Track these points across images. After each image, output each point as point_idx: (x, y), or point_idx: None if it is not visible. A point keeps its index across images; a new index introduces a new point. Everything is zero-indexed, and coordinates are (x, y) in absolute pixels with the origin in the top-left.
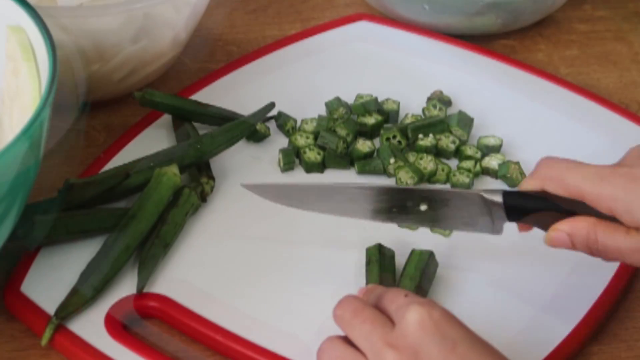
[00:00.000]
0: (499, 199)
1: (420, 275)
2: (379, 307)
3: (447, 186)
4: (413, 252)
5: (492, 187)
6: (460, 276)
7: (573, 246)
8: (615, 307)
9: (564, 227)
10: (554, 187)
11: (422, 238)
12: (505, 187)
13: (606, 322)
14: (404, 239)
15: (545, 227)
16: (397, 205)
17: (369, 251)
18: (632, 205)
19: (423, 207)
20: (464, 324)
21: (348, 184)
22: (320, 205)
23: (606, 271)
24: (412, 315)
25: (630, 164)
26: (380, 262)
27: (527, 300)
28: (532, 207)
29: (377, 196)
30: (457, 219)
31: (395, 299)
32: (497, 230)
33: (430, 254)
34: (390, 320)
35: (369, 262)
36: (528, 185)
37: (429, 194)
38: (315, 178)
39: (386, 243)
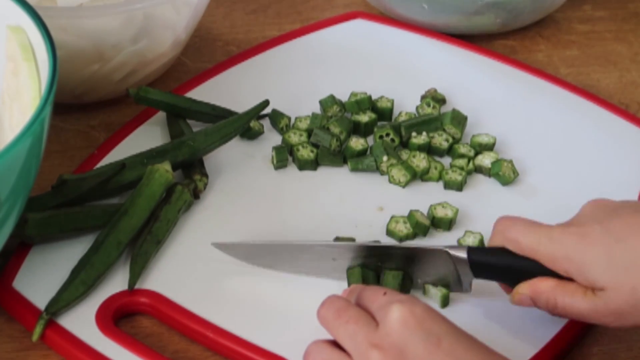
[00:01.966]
0: (463, 254)
1: (403, 274)
2: (360, 306)
3: (415, 242)
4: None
5: (484, 186)
6: None
7: (537, 307)
8: None
9: (525, 290)
10: (512, 248)
11: None
12: (498, 186)
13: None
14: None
15: (511, 282)
16: (367, 264)
17: (350, 272)
18: (584, 265)
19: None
20: (447, 319)
21: (315, 243)
22: (289, 266)
23: None
24: (394, 314)
25: (581, 221)
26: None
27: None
28: (496, 263)
29: (345, 254)
30: (425, 277)
31: (375, 298)
32: (466, 288)
33: None
34: (373, 319)
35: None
36: (491, 244)
37: (397, 251)
38: (307, 176)
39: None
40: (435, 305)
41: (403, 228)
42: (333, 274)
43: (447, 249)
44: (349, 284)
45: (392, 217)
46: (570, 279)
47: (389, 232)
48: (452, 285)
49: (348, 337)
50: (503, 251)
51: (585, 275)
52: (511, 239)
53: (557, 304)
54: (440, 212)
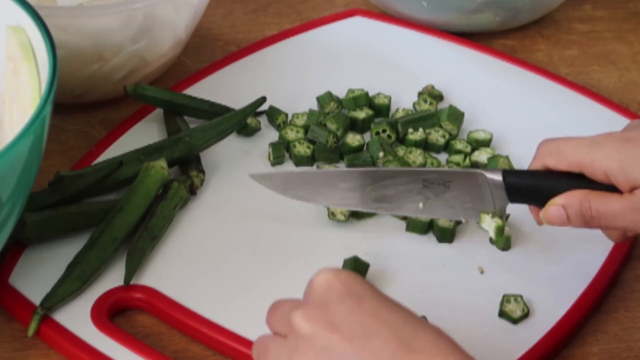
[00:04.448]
0: (499, 177)
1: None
2: None
3: (447, 168)
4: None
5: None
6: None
7: (568, 220)
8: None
9: (559, 200)
10: (553, 161)
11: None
12: None
13: (606, 322)
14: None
15: (544, 204)
16: (400, 191)
17: (346, 262)
18: (624, 163)
19: (420, 205)
20: (373, 286)
21: (350, 170)
22: (325, 197)
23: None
24: (318, 278)
25: (625, 130)
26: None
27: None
28: (531, 185)
29: (380, 180)
30: (457, 204)
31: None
32: (501, 215)
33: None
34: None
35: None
36: (531, 166)
37: (431, 175)
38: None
39: (362, 255)
40: (491, 234)
41: None
42: (369, 204)
43: (482, 171)
44: None
45: None
46: (606, 189)
47: None
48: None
49: (278, 320)
50: (540, 172)
51: (626, 173)
52: (552, 150)
53: (591, 207)
54: None
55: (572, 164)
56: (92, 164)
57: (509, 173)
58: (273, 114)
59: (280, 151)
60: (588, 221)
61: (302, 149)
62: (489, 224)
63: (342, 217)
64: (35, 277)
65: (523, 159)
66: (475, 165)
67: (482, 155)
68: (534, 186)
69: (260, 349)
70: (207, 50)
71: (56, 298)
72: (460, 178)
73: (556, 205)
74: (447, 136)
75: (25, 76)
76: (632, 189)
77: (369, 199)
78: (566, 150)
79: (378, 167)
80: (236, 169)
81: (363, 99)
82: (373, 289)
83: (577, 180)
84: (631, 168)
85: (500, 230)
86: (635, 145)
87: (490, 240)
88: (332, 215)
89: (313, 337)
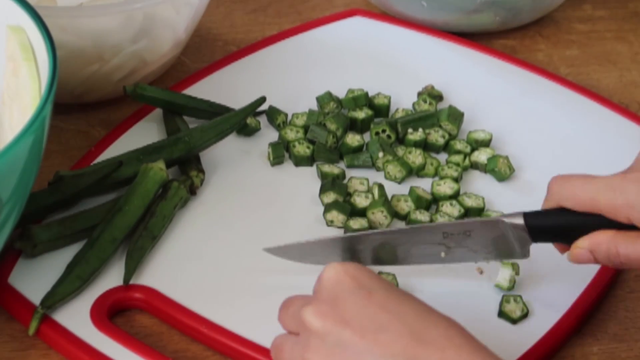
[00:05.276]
0: (520, 221)
1: None
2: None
3: (466, 219)
4: None
5: (481, 182)
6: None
7: (596, 261)
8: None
9: (585, 243)
10: (570, 205)
11: None
12: (494, 182)
13: (606, 322)
14: None
15: (569, 242)
16: (421, 243)
17: None
18: None
19: (442, 254)
20: (382, 278)
21: (365, 233)
22: (342, 260)
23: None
24: (327, 272)
25: (636, 166)
26: None
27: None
28: (554, 225)
29: (400, 238)
30: (480, 248)
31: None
32: (524, 254)
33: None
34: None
35: None
36: (546, 206)
37: (450, 228)
38: (304, 172)
39: None
40: (504, 282)
41: (405, 206)
42: (391, 261)
43: (502, 218)
44: None
45: (393, 196)
46: (631, 228)
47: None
48: (511, 254)
49: (290, 318)
50: (560, 211)
51: None
52: (568, 195)
53: (619, 252)
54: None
55: (590, 209)
56: (92, 164)
57: (530, 215)
58: (273, 114)
59: (280, 151)
60: (617, 265)
61: (302, 149)
62: (506, 275)
63: (339, 224)
64: (35, 277)
65: (523, 159)
66: (475, 165)
67: (481, 156)
68: (557, 226)
69: (277, 350)
70: (207, 50)
71: (56, 297)
72: (481, 227)
73: (582, 249)
74: (447, 136)
75: (25, 76)
76: None
77: (394, 257)
78: (582, 196)
79: (396, 228)
80: (236, 169)
81: (363, 99)
82: (382, 281)
83: (601, 217)
84: None
85: (512, 281)
86: None
87: None
88: (330, 222)
89: (324, 333)
